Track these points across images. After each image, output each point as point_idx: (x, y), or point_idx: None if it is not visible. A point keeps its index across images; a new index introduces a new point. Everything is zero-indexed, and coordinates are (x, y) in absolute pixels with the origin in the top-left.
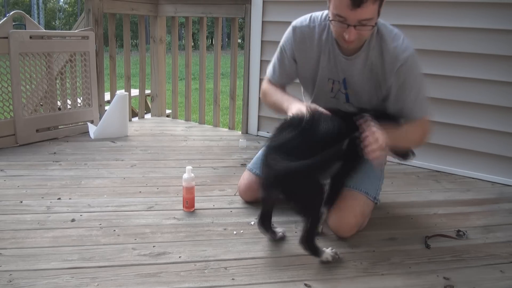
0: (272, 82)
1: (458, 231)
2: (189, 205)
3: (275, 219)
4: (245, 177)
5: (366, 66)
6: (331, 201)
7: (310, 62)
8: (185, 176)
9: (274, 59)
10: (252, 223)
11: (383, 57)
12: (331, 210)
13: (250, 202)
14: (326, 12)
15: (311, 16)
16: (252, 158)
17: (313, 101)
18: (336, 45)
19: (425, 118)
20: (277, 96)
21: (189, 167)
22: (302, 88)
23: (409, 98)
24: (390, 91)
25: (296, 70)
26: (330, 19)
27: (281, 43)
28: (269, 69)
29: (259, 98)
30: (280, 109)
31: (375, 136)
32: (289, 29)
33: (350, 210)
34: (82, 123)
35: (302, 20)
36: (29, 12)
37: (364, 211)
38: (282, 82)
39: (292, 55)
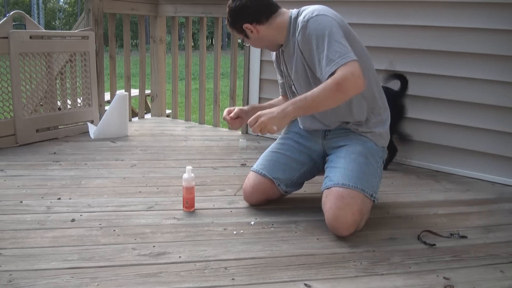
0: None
1: (451, 234)
2: (189, 205)
3: (275, 219)
4: (251, 178)
5: (295, 52)
6: None
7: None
8: (185, 176)
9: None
10: (252, 223)
11: (297, 36)
12: (328, 209)
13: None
14: None
15: None
16: (252, 158)
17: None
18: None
19: (336, 72)
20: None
21: (189, 167)
22: None
23: (315, 59)
24: (305, 59)
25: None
26: None
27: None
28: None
29: (259, 98)
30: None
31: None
32: None
33: (348, 208)
34: (82, 123)
35: None
36: (29, 12)
37: (362, 209)
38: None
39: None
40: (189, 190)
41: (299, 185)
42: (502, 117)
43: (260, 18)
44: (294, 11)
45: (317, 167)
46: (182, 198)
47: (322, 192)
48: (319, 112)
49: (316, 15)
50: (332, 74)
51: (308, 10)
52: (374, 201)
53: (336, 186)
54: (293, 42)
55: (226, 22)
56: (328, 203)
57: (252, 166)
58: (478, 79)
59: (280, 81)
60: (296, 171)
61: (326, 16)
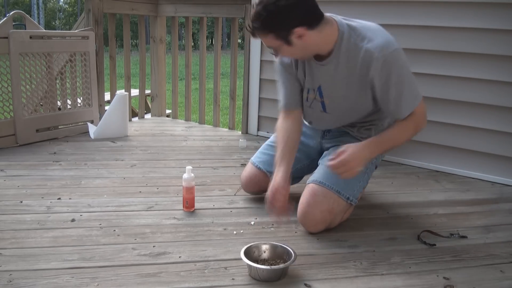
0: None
1: (451, 234)
2: (189, 205)
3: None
4: (247, 169)
5: (339, 70)
6: None
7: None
8: (185, 176)
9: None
10: (252, 223)
11: (356, 59)
12: (300, 204)
13: (253, 201)
14: None
15: None
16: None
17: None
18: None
19: (414, 113)
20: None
21: (189, 167)
22: None
23: (392, 97)
24: (375, 91)
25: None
26: None
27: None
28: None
29: (259, 98)
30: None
31: (343, 162)
32: None
33: (317, 206)
34: (82, 123)
35: None
36: (29, 12)
37: (333, 209)
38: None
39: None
40: (189, 190)
41: (295, 179)
42: (502, 117)
43: (313, 20)
44: (342, 23)
45: (314, 164)
46: (182, 198)
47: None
48: (344, 118)
49: (394, 51)
50: (410, 115)
51: (378, 40)
52: (351, 203)
53: (313, 183)
54: (342, 59)
55: (256, 25)
56: (302, 199)
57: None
58: (478, 79)
59: (288, 89)
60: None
61: (400, 51)
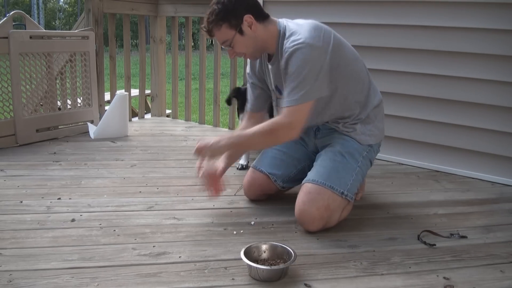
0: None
1: (451, 234)
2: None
3: (275, 219)
4: (249, 173)
5: (279, 68)
6: None
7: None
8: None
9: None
10: (252, 223)
11: (282, 56)
12: (296, 204)
13: (253, 201)
14: None
15: None
16: (251, 159)
17: None
18: (266, 56)
19: (290, 113)
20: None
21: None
22: None
23: (287, 85)
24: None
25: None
26: None
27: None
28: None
29: None
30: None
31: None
32: None
33: (313, 204)
34: (82, 123)
35: None
36: (29, 12)
37: (329, 205)
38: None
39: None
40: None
41: (298, 181)
42: (502, 117)
43: (259, 15)
44: (282, 24)
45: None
46: (182, 197)
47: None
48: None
49: (302, 45)
50: (287, 108)
51: (297, 35)
52: (348, 199)
53: (307, 182)
54: (278, 57)
55: (212, 15)
56: (298, 198)
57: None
58: (478, 79)
59: (255, 93)
60: (293, 167)
61: (312, 47)
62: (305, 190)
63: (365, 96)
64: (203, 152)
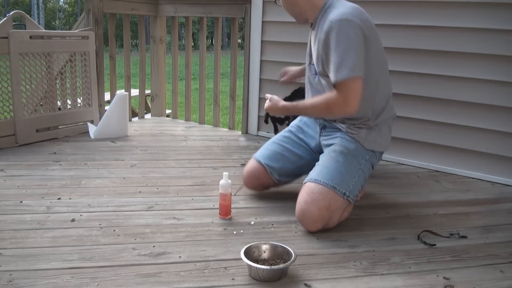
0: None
1: (451, 234)
2: (222, 212)
3: (275, 219)
4: (249, 164)
5: (317, 38)
6: None
7: None
8: (222, 182)
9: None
10: (252, 223)
11: (323, 27)
12: (297, 203)
13: (253, 201)
14: None
15: None
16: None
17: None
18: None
19: (343, 87)
20: None
21: (225, 173)
22: None
23: (330, 60)
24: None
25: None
26: None
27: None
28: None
29: (259, 98)
30: None
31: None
32: None
33: (314, 204)
34: (82, 123)
35: None
36: (29, 12)
37: (330, 206)
38: None
39: None
40: (223, 197)
41: (295, 176)
42: (502, 117)
43: None
44: (329, 1)
45: (315, 162)
46: (183, 198)
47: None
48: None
49: (344, 19)
50: (337, 83)
51: (339, 10)
52: (349, 200)
53: (309, 181)
54: (319, 28)
55: None
56: (299, 197)
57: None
58: (478, 79)
59: None
60: (292, 163)
61: (353, 22)
62: (307, 190)
63: (382, 107)
64: (270, 111)
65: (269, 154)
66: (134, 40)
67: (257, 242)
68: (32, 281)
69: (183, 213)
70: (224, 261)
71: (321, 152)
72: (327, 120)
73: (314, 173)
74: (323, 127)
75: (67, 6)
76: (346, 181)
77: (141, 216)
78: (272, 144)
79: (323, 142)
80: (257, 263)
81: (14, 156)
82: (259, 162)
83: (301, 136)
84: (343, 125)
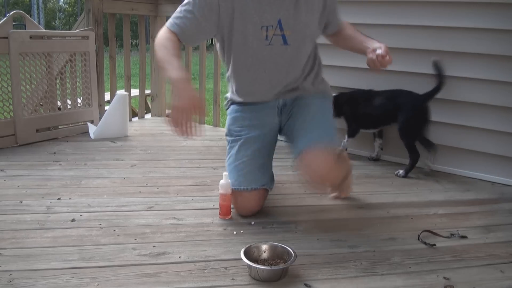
0: (172, 33)
1: (451, 234)
2: (222, 212)
3: (275, 219)
4: (246, 196)
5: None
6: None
7: (230, 13)
8: (222, 181)
9: (184, 10)
10: (252, 223)
11: None
12: (314, 169)
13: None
14: None
15: None
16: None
17: (239, 56)
18: None
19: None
20: (161, 55)
21: (225, 173)
22: (218, 47)
23: (337, 11)
24: (329, 14)
25: (215, 23)
26: None
27: None
28: (175, 20)
29: None
30: (161, 69)
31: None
32: None
33: (321, 162)
34: (82, 123)
35: None
36: (29, 12)
37: (331, 159)
38: (185, 39)
39: (217, 3)
40: (223, 197)
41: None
42: (502, 117)
43: None
44: None
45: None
46: (183, 198)
47: (301, 153)
48: (302, 50)
49: None
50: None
51: None
52: (336, 146)
53: (307, 149)
54: None
55: None
56: (304, 164)
57: None
58: (478, 79)
59: (196, 23)
60: (269, 165)
61: None
62: (309, 155)
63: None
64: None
65: (251, 176)
66: (134, 40)
67: (257, 242)
68: (32, 281)
69: (183, 213)
70: (224, 261)
71: (279, 131)
72: (285, 98)
73: (305, 141)
74: (283, 106)
75: (67, 6)
76: (332, 136)
77: (141, 216)
78: (241, 165)
79: (287, 117)
80: (257, 263)
81: (14, 156)
82: (255, 188)
83: (255, 134)
84: (306, 83)
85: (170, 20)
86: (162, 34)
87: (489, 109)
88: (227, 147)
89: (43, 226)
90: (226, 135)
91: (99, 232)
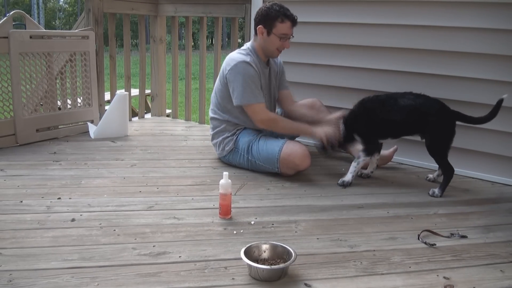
0: (266, 107)
1: (452, 234)
2: (222, 212)
3: (275, 218)
4: (299, 146)
5: (272, 70)
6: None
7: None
8: (222, 181)
9: (248, 87)
10: (252, 222)
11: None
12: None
13: (251, 201)
14: (244, 47)
15: (241, 53)
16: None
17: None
18: (261, 61)
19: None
20: (289, 123)
21: (225, 173)
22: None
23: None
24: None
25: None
26: (275, 39)
27: (246, 74)
28: (251, 97)
29: None
30: (295, 133)
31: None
32: (242, 64)
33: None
34: (82, 123)
35: (242, 56)
36: (29, 12)
37: None
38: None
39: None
40: (223, 197)
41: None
42: (502, 117)
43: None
44: None
45: None
46: (183, 198)
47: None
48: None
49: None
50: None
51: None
52: None
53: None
54: (272, 61)
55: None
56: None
57: None
58: (478, 79)
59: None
60: None
61: None
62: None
63: None
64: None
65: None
66: (134, 40)
67: (257, 242)
68: (32, 281)
69: (183, 213)
70: (224, 261)
71: None
72: None
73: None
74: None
75: (67, 6)
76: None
77: (141, 216)
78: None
79: None
80: (257, 262)
81: (14, 156)
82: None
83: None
84: None
85: (253, 95)
86: (267, 112)
87: (489, 109)
88: (245, 154)
89: (43, 226)
90: (240, 150)
91: (99, 232)
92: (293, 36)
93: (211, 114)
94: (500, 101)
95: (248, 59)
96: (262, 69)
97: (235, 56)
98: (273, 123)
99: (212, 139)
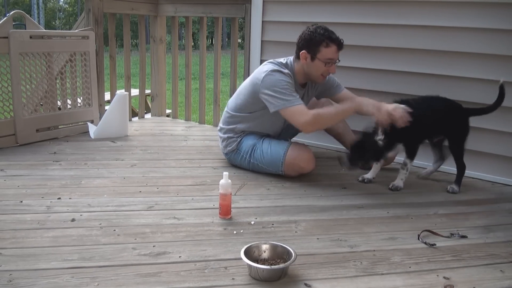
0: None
1: (452, 234)
2: (222, 212)
3: (275, 218)
4: (304, 148)
5: (308, 92)
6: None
7: None
8: (222, 181)
9: (284, 93)
10: (252, 222)
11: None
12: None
13: (251, 201)
14: (283, 61)
15: (279, 65)
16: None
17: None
18: (297, 84)
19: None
20: (331, 109)
21: (225, 173)
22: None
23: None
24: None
25: None
26: (320, 64)
27: (282, 81)
28: (289, 100)
29: None
30: (344, 117)
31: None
32: (277, 73)
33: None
34: (82, 123)
35: (278, 67)
36: (29, 12)
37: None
38: None
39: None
40: (223, 197)
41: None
42: (502, 117)
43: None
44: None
45: None
46: (183, 198)
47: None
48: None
49: None
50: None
51: None
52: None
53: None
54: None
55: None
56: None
57: None
58: (478, 79)
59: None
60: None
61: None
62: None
63: None
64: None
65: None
66: (134, 40)
67: (257, 242)
68: (32, 281)
69: (183, 213)
70: (224, 261)
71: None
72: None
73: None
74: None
75: (67, 6)
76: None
77: (141, 216)
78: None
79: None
80: (257, 262)
81: (14, 156)
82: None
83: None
84: None
85: (292, 96)
86: (307, 110)
87: None
88: (247, 157)
89: (43, 226)
90: (243, 152)
91: (99, 232)
92: (339, 60)
93: (226, 109)
94: (502, 86)
95: (284, 71)
96: (297, 90)
97: (271, 66)
98: (318, 117)
99: (220, 130)
